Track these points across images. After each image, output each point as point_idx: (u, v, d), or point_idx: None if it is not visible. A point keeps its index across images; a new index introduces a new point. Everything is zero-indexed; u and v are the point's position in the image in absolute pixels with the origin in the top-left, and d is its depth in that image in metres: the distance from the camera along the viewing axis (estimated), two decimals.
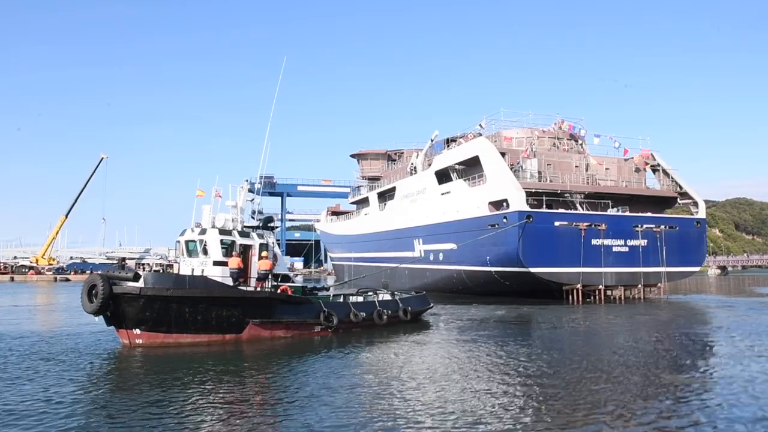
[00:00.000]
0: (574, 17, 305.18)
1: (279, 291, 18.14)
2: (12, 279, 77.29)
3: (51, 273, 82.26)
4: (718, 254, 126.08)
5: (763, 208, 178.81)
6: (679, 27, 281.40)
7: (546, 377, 11.80)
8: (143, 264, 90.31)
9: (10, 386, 11.11)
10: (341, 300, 21.29)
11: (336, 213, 72.75)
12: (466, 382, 11.45)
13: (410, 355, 14.88)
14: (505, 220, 32.98)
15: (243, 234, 19.00)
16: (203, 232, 18.42)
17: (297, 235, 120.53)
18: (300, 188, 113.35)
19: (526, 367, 13.07)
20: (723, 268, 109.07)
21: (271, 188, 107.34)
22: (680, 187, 39.77)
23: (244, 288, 17.70)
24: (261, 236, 19.58)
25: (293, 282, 20.40)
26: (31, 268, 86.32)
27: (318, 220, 78.92)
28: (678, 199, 40.16)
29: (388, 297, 22.12)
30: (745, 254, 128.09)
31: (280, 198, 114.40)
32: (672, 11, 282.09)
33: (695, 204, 39.21)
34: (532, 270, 32.25)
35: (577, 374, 12.23)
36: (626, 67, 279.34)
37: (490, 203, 34.80)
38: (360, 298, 21.87)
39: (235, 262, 18.05)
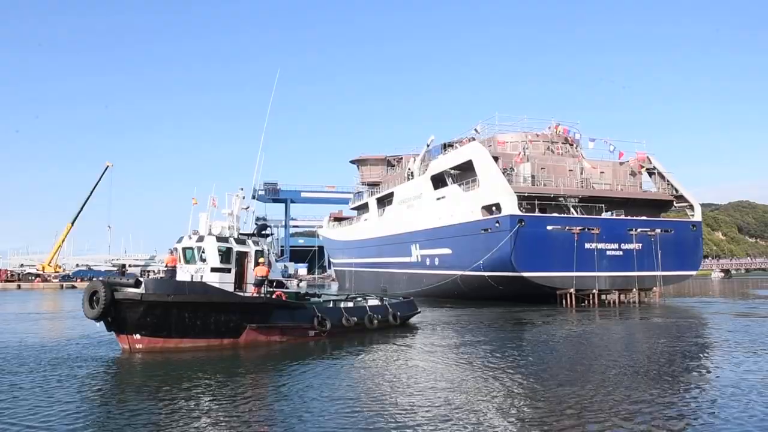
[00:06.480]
0: (572, 19, 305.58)
1: (274, 296, 18.77)
2: (19, 287, 77.86)
3: (57, 280, 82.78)
4: (721, 257, 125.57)
5: (766, 211, 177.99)
6: (676, 28, 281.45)
7: (532, 386, 11.70)
8: (148, 271, 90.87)
9: (9, 390, 11.56)
10: (333, 305, 21.90)
11: (338, 219, 73.18)
12: (451, 386, 11.82)
13: (401, 360, 15.27)
14: (497, 225, 33.44)
15: (239, 241, 19.43)
16: (201, 239, 18.77)
17: (301, 241, 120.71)
18: (304, 194, 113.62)
19: (511, 372, 13.23)
20: (726, 272, 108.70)
21: (274, 195, 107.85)
22: (676, 191, 40.08)
23: (241, 294, 18.27)
24: (257, 243, 20.12)
25: (287, 288, 21.01)
26: (37, 275, 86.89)
27: (321, 226, 79.46)
28: (674, 203, 40.43)
29: (377, 302, 22.74)
30: (748, 257, 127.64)
31: (284, 204, 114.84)
32: (670, 12, 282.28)
33: (691, 207, 39.47)
34: (525, 274, 32.61)
35: (560, 378, 12.54)
36: (623, 69, 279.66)
37: (483, 207, 35.19)
38: (350, 304, 22.34)
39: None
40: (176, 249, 19.17)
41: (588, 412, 9.53)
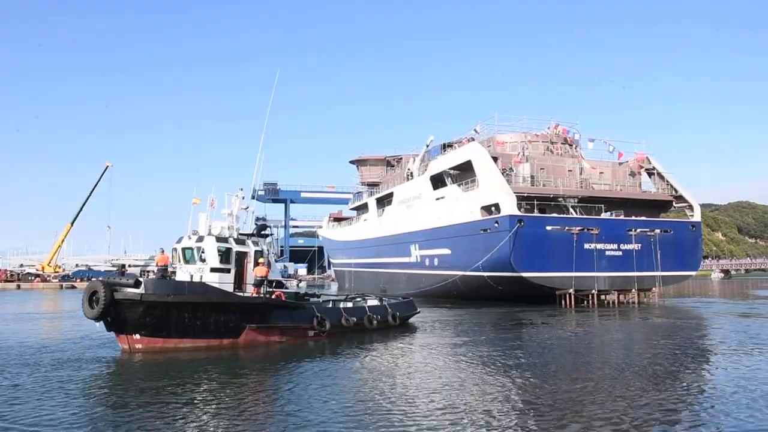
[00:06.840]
0: (572, 19, 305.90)
1: (273, 297, 18.80)
2: (18, 287, 77.88)
3: (57, 280, 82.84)
4: (721, 258, 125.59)
5: (766, 212, 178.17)
6: (676, 28, 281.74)
7: (531, 387, 11.64)
8: (148, 271, 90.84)
9: (12, 390, 11.62)
10: (332, 306, 21.92)
11: (338, 219, 73.21)
12: (452, 387, 11.84)
13: (401, 360, 15.29)
14: (496, 225, 33.47)
15: (239, 241, 19.44)
16: (200, 239, 18.75)
17: (300, 241, 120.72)
18: (303, 194, 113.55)
19: (513, 372, 13.20)
20: (726, 272, 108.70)
21: (274, 195, 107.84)
22: (676, 191, 40.10)
23: (241, 294, 18.31)
24: (256, 243, 20.13)
25: (287, 288, 21.04)
26: (37, 275, 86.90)
27: (321, 227, 79.54)
28: (674, 203, 40.44)
29: (376, 303, 22.77)
30: (748, 258, 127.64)
31: (283, 204, 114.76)
32: (670, 12, 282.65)
33: (691, 207, 39.50)
34: (524, 274, 32.62)
35: (562, 379, 12.58)
36: (623, 69, 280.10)
37: (482, 208, 35.22)
38: (350, 304, 22.36)
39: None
40: (175, 249, 19.21)
41: (591, 413, 9.57)
